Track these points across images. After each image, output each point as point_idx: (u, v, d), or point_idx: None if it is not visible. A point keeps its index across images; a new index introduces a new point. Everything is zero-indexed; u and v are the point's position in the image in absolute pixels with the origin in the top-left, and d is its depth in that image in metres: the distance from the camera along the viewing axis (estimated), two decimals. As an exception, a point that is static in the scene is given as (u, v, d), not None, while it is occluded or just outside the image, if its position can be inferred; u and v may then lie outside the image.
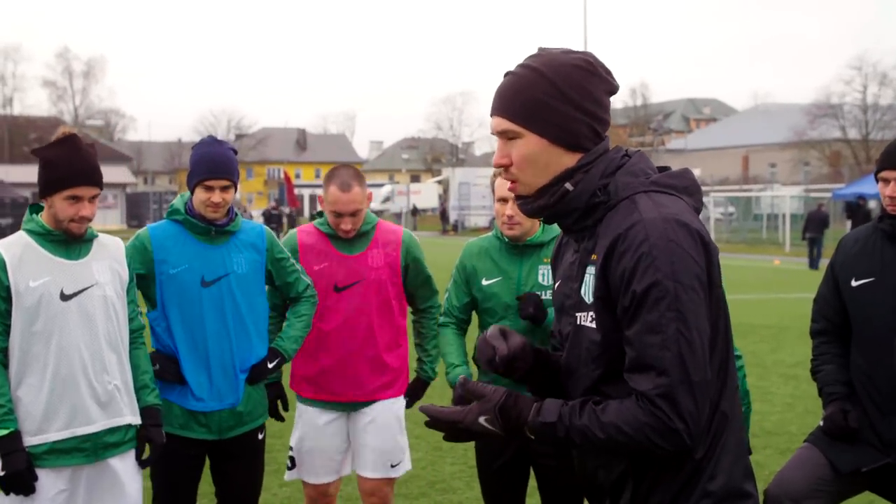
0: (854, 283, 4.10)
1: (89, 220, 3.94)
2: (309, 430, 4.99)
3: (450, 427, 2.42)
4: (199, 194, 4.41)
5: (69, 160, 3.88)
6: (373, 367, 4.89)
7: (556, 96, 2.39)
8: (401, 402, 5.06)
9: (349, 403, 4.93)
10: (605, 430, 2.28)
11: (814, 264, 29.49)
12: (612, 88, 2.46)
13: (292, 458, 5.04)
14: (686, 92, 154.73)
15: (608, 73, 2.45)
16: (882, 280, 4.00)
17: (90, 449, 3.96)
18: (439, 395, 8.34)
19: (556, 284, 2.65)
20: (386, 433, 4.97)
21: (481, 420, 2.39)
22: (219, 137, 4.69)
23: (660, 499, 2.37)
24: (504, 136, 2.46)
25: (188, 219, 4.46)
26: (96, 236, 4.09)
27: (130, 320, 4.20)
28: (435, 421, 2.43)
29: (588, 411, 2.31)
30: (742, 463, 2.43)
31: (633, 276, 2.27)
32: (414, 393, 5.08)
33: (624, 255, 2.29)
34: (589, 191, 2.41)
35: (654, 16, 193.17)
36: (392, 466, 4.98)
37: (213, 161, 4.41)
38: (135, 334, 4.21)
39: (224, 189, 4.41)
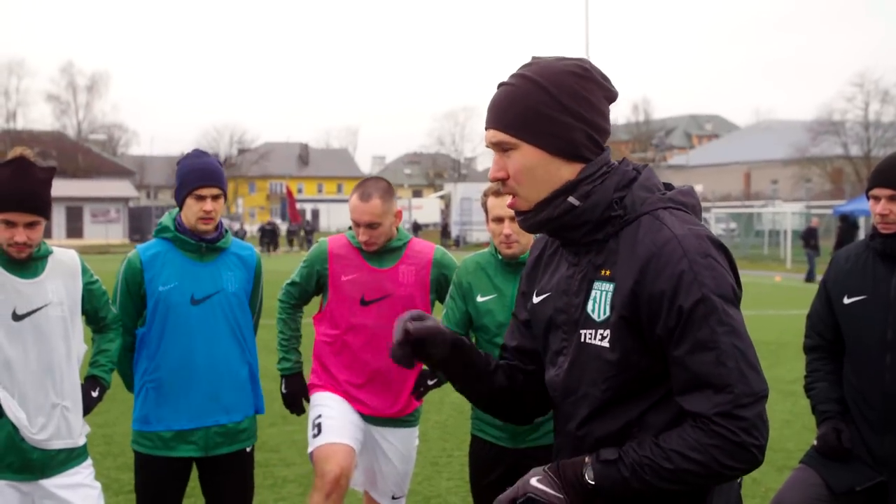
0: (846, 301, 4.09)
1: (29, 246, 3.86)
2: (331, 401, 4.80)
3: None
4: (191, 205, 4.41)
5: (9, 183, 3.78)
6: (396, 388, 4.83)
7: (552, 105, 2.29)
8: (417, 433, 5.06)
9: (376, 418, 4.86)
10: (671, 460, 2.16)
11: (810, 278, 30.88)
12: (611, 95, 2.37)
13: (319, 426, 4.74)
14: (688, 108, 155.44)
15: (605, 78, 2.36)
16: (874, 298, 3.99)
17: (38, 468, 3.95)
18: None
19: (542, 297, 2.52)
20: (406, 465, 4.99)
21: (533, 482, 2.28)
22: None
23: None
24: (499, 148, 2.36)
25: (178, 236, 4.46)
26: (51, 252, 4.03)
27: (102, 317, 4.28)
28: None
29: (649, 444, 2.20)
30: (735, 488, 2.39)
31: (675, 293, 2.18)
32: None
33: (661, 272, 2.20)
34: (604, 203, 2.30)
35: (657, 32, 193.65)
36: (395, 499, 5.01)
37: (203, 170, 4.42)
38: (110, 323, 4.34)
39: (215, 198, 4.42)
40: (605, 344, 2.28)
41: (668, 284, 2.18)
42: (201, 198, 4.40)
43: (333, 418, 4.73)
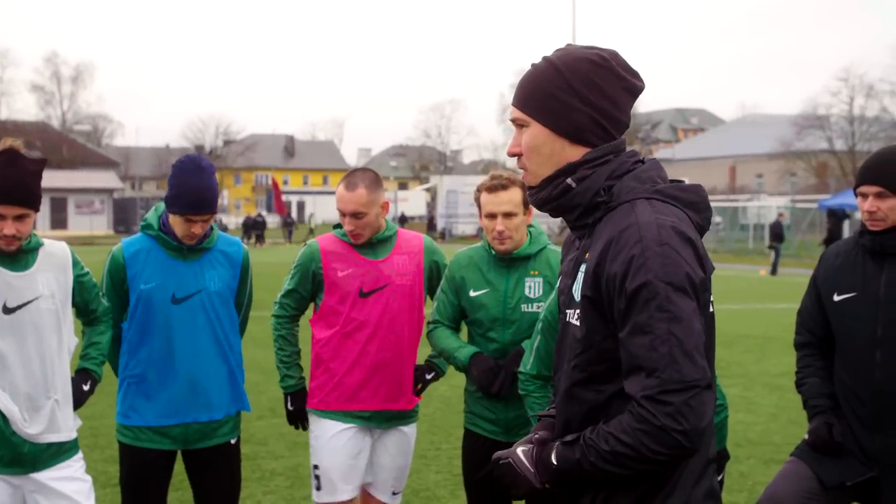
0: (836, 298, 4.10)
1: (18, 238, 3.83)
2: (324, 443, 4.77)
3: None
4: (179, 224, 4.36)
5: None
6: (400, 381, 4.78)
7: (562, 87, 2.39)
8: (416, 428, 5.01)
9: (382, 413, 4.78)
10: (607, 441, 2.23)
11: (774, 271, 33.11)
12: (632, 87, 2.45)
13: (318, 478, 4.79)
14: (674, 102, 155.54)
15: (629, 71, 2.44)
16: (863, 295, 4.00)
17: (28, 462, 3.94)
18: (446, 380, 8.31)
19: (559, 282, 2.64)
20: (406, 459, 4.95)
21: (519, 451, 2.47)
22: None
23: None
24: (516, 124, 2.49)
25: (161, 235, 4.43)
26: (42, 244, 4.00)
27: (93, 310, 4.27)
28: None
29: (599, 427, 2.28)
30: (705, 484, 2.37)
31: (625, 277, 2.24)
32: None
33: (617, 256, 2.27)
34: (593, 189, 2.39)
35: (645, 26, 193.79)
36: (394, 494, 4.96)
37: (195, 197, 4.31)
38: (101, 315, 4.32)
39: (205, 221, 4.37)
40: (577, 322, 2.39)
41: (620, 268, 2.26)
42: (191, 220, 4.33)
43: (333, 469, 4.72)
